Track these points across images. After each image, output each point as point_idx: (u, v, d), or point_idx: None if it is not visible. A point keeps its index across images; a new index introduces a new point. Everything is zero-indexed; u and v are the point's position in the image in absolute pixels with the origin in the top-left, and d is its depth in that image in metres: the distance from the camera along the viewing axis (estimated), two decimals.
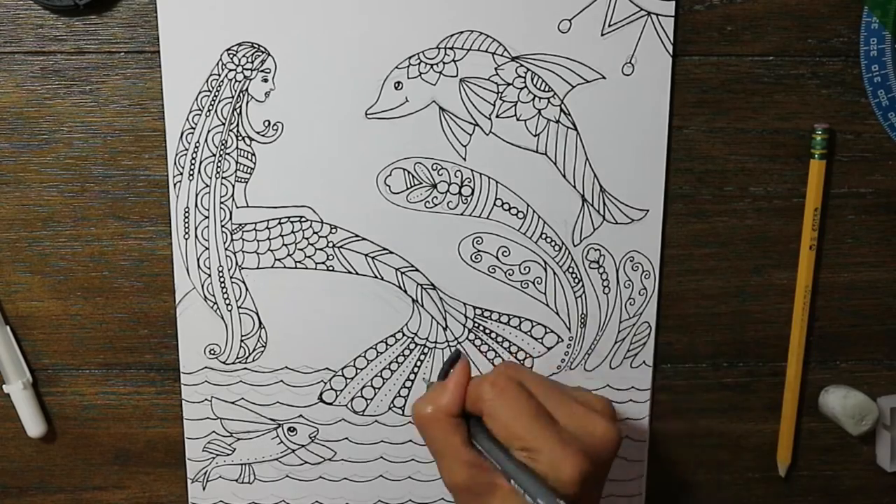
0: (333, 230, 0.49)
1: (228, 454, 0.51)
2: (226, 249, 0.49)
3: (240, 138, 0.47)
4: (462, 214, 0.49)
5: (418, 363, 0.51)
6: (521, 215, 0.49)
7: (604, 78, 0.47)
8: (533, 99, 0.47)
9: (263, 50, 0.46)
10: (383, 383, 0.51)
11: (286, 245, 0.49)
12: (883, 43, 0.47)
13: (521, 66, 0.47)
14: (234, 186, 0.48)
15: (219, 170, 0.48)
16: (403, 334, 0.50)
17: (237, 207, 0.48)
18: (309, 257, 0.49)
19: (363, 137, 0.47)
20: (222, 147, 0.47)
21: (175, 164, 0.47)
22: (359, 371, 0.50)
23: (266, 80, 0.47)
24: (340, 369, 0.50)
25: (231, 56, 0.46)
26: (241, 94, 0.47)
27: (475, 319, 0.50)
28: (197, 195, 0.48)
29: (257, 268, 0.49)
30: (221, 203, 0.48)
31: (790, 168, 0.49)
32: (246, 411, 0.51)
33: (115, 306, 0.50)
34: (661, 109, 0.48)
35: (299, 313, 0.50)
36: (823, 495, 0.54)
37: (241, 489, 0.52)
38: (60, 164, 0.48)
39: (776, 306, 0.51)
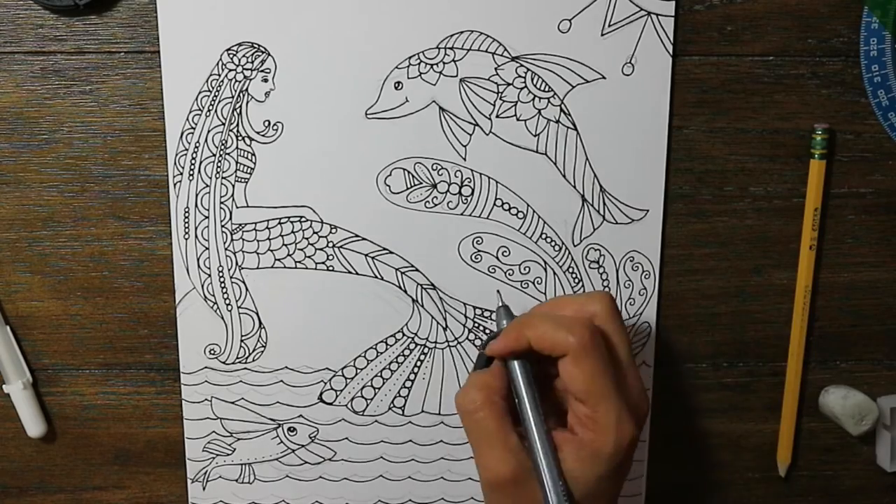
0: (333, 230, 0.49)
1: (228, 454, 0.51)
2: (226, 249, 0.49)
3: (240, 138, 0.47)
4: (462, 214, 0.49)
5: (418, 363, 0.51)
6: (521, 215, 0.49)
7: (604, 78, 0.47)
8: (533, 99, 0.47)
9: (263, 50, 0.46)
10: (383, 383, 0.51)
11: (286, 245, 0.49)
12: (883, 43, 0.47)
13: (521, 66, 0.47)
14: (234, 186, 0.48)
15: (219, 170, 0.48)
16: (403, 334, 0.50)
17: (237, 207, 0.48)
18: (309, 257, 0.49)
19: (363, 137, 0.48)
20: (222, 147, 0.47)
21: (175, 164, 0.47)
22: (359, 371, 0.50)
23: (266, 80, 0.47)
24: (340, 369, 0.50)
25: (231, 56, 0.46)
26: (241, 94, 0.47)
27: (475, 319, 0.50)
28: (197, 195, 0.48)
29: (257, 268, 0.49)
30: (221, 203, 0.48)
31: (790, 168, 0.49)
32: (246, 411, 0.51)
33: (115, 306, 0.50)
34: (661, 109, 0.48)
35: (299, 313, 0.50)
36: (823, 495, 0.54)
37: (241, 489, 0.52)
38: (60, 164, 0.48)
39: (776, 306, 0.51)
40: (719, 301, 0.51)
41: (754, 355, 0.52)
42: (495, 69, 0.47)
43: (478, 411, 0.39)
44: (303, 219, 0.48)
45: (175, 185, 0.48)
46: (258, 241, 0.49)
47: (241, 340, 0.50)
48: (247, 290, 0.49)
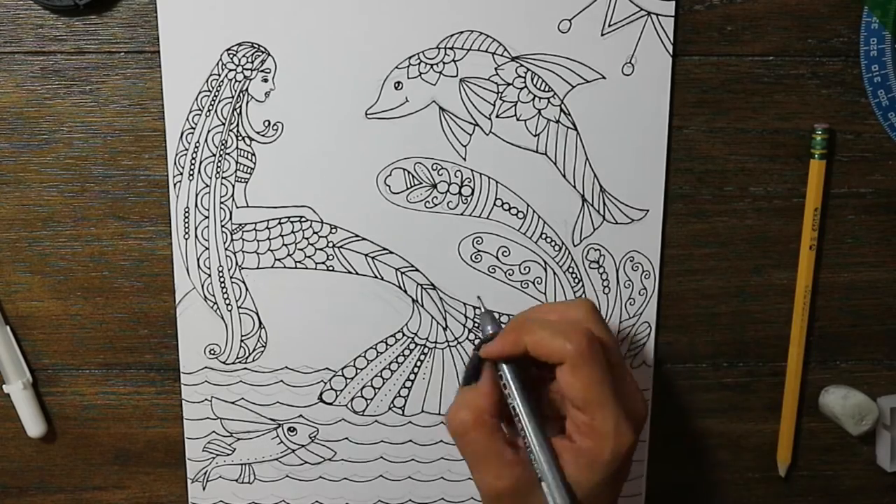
0: (333, 230, 0.49)
1: (228, 454, 0.51)
2: (226, 249, 0.49)
3: (240, 138, 0.47)
4: (462, 214, 0.49)
5: (418, 363, 0.51)
6: (521, 215, 0.49)
7: (604, 78, 0.47)
8: (533, 99, 0.47)
9: (263, 50, 0.46)
10: (383, 383, 0.51)
11: (286, 245, 0.49)
12: (883, 43, 0.47)
13: (521, 66, 0.47)
14: (234, 186, 0.48)
15: (219, 170, 0.48)
16: (403, 334, 0.50)
17: (237, 207, 0.48)
18: (309, 257, 0.49)
19: (363, 137, 0.48)
20: (222, 147, 0.47)
21: (175, 164, 0.47)
22: (359, 371, 0.50)
23: (266, 80, 0.47)
24: (340, 369, 0.50)
25: (231, 56, 0.46)
26: (241, 94, 0.47)
27: (475, 319, 0.50)
28: (197, 195, 0.48)
29: (257, 268, 0.49)
30: (221, 203, 0.48)
31: (790, 168, 0.49)
32: (246, 411, 0.51)
33: (115, 306, 0.50)
34: (661, 109, 0.48)
35: (299, 313, 0.50)
36: (823, 495, 0.54)
37: (241, 489, 0.52)
38: (60, 164, 0.48)
39: (776, 306, 0.51)
40: (719, 301, 0.51)
41: (754, 355, 0.52)
42: (495, 69, 0.47)
43: (468, 433, 0.39)
44: (303, 219, 0.48)
45: (175, 185, 0.48)
46: (258, 241, 0.49)
47: (241, 340, 0.50)
48: (247, 290, 0.49)
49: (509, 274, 0.50)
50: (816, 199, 0.49)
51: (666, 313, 0.51)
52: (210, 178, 0.48)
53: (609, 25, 0.47)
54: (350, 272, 0.49)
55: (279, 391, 0.50)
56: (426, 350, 0.50)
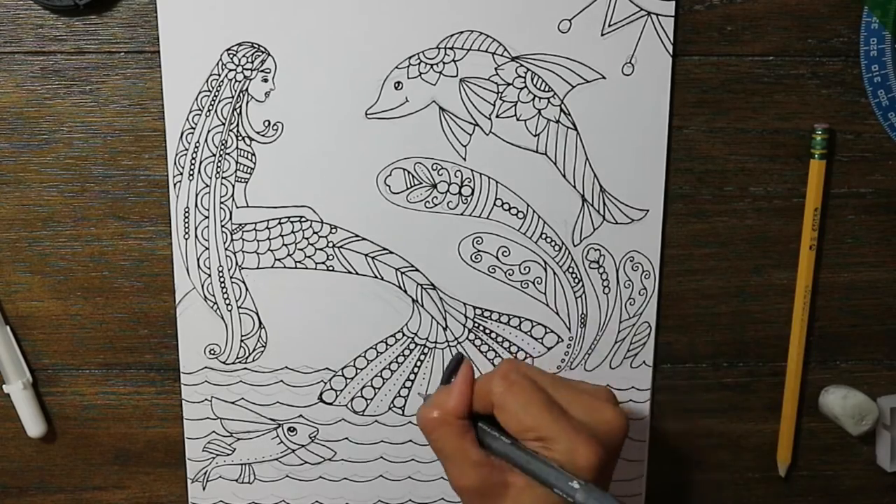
0: (333, 230, 0.49)
1: (228, 454, 0.51)
2: (226, 249, 0.49)
3: (240, 138, 0.47)
4: (462, 214, 0.49)
5: (418, 363, 0.51)
6: (521, 215, 0.49)
7: (604, 78, 0.47)
8: (533, 99, 0.47)
9: (263, 50, 0.46)
10: (383, 383, 0.51)
11: (286, 245, 0.49)
12: (883, 43, 0.47)
13: (521, 66, 0.47)
14: (234, 186, 0.48)
15: (219, 170, 0.48)
16: (403, 334, 0.50)
17: (237, 207, 0.48)
18: (309, 257, 0.49)
19: (363, 137, 0.47)
20: (222, 147, 0.47)
21: (175, 164, 0.47)
22: (359, 371, 0.50)
23: (266, 80, 0.47)
24: (340, 369, 0.50)
25: (231, 56, 0.46)
26: (241, 94, 0.47)
27: (475, 319, 0.50)
28: (197, 195, 0.48)
29: (257, 268, 0.49)
30: (221, 203, 0.48)
31: (790, 168, 0.49)
32: (246, 411, 0.51)
33: (115, 306, 0.50)
34: (661, 109, 0.48)
35: (299, 313, 0.50)
36: (823, 495, 0.54)
37: (241, 489, 0.52)
38: (60, 164, 0.48)
39: (776, 306, 0.51)
40: (719, 301, 0.51)
41: (754, 355, 0.52)
42: (495, 69, 0.47)
43: (434, 430, 0.41)
44: (303, 219, 0.48)
45: (175, 185, 0.48)
46: (258, 241, 0.49)
47: (241, 340, 0.50)
48: (247, 290, 0.49)
49: (509, 274, 0.50)
50: (816, 199, 0.49)
51: (666, 313, 0.51)
52: (210, 178, 0.48)
53: (609, 25, 0.47)
54: (350, 272, 0.49)
55: (279, 391, 0.50)
56: (426, 350, 0.50)
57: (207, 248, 0.48)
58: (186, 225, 0.48)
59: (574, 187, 0.49)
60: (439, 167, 0.48)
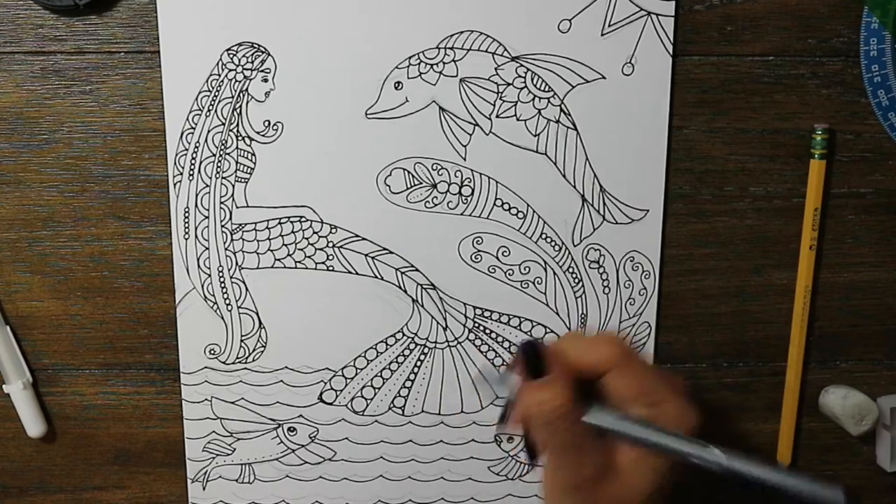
0: (333, 230, 0.49)
1: (228, 454, 0.51)
2: (226, 249, 0.49)
3: (240, 138, 0.47)
4: (462, 214, 0.49)
5: (418, 363, 0.51)
6: (521, 215, 0.49)
7: (604, 78, 0.47)
8: (533, 99, 0.47)
9: (263, 50, 0.46)
10: (383, 383, 0.51)
11: (286, 245, 0.49)
12: (883, 43, 0.47)
13: (521, 66, 0.47)
14: (234, 186, 0.48)
15: (219, 170, 0.48)
16: (403, 334, 0.50)
17: (237, 207, 0.48)
18: (309, 257, 0.49)
19: (363, 137, 0.48)
20: (222, 147, 0.47)
21: (175, 164, 0.47)
22: (359, 371, 0.50)
23: (266, 80, 0.47)
24: (340, 369, 0.50)
25: (231, 56, 0.46)
26: (241, 94, 0.47)
27: (475, 319, 0.50)
28: (197, 195, 0.48)
29: (257, 268, 0.49)
30: (221, 203, 0.48)
31: (790, 168, 0.49)
32: (246, 411, 0.51)
33: (115, 306, 0.50)
34: (661, 109, 0.48)
35: (299, 313, 0.50)
36: None
37: (241, 489, 0.52)
38: (60, 164, 0.48)
39: (776, 306, 0.51)
40: (719, 301, 0.51)
41: (754, 355, 0.52)
42: (495, 69, 0.47)
43: (555, 423, 0.37)
44: (303, 219, 0.48)
45: (175, 185, 0.48)
46: (258, 241, 0.49)
47: (241, 340, 0.50)
48: (247, 290, 0.49)
49: (509, 274, 0.50)
50: (816, 199, 0.49)
51: (666, 313, 0.51)
52: (210, 178, 0.48)
53: (609, 25, 0.47)
54: (350, 272, 0.49)
55: (279, 391, 0.50)
56: (426, 350, 0.50)
57: (207, 248, 0.48)
58: (186, 225, 0.48)
59: (574, 187, 0.49)
60: (439, 167, 0.48)
